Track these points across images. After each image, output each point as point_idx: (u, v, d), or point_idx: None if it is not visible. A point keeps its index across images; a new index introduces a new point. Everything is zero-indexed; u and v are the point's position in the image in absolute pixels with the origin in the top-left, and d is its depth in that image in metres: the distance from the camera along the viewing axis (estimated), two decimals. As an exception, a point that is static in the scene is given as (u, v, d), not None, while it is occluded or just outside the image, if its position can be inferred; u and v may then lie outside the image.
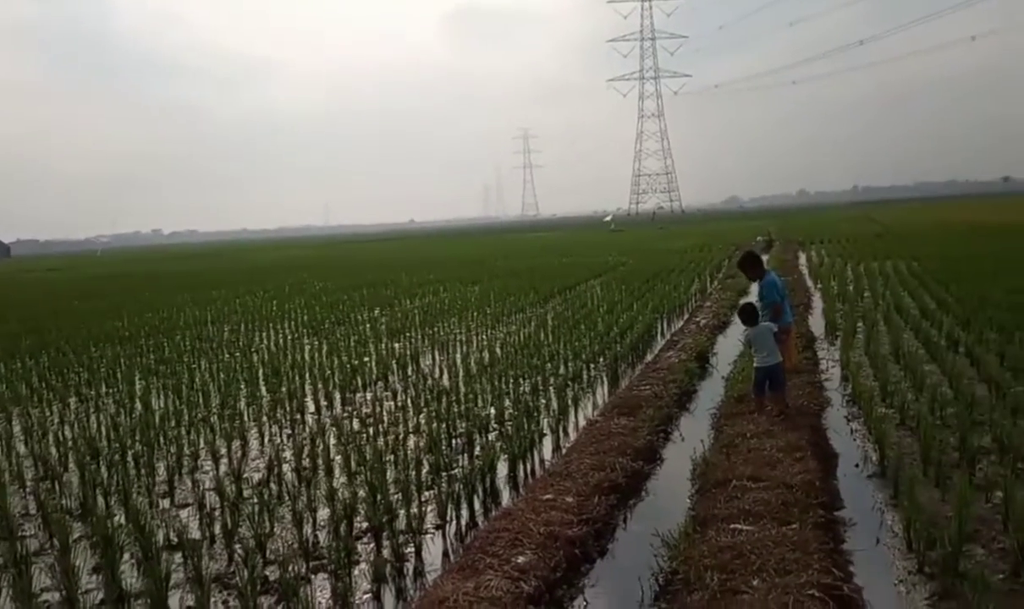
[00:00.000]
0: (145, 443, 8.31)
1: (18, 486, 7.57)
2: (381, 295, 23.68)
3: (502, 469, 7.09)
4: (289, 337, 16.33)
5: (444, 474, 7.01)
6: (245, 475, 7.37)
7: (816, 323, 14.17)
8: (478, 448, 7.75)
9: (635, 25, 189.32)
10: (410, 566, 5.46)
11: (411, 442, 7.99)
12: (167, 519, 6.39)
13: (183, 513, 6.67)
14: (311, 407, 9.96)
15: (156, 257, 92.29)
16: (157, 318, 21.01)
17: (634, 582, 5.02)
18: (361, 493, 6.54)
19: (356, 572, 5.33)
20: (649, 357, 12.07)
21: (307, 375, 11.55)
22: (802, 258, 29.49)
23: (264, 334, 17.13)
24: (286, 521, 6.20)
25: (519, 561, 5.08)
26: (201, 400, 10.48)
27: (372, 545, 5.74)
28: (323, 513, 6.33)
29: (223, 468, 7.63)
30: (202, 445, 8.47)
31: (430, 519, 6.17)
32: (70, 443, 8.70)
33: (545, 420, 8.49)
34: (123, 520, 6.30)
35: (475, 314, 17.58)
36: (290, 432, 8.86)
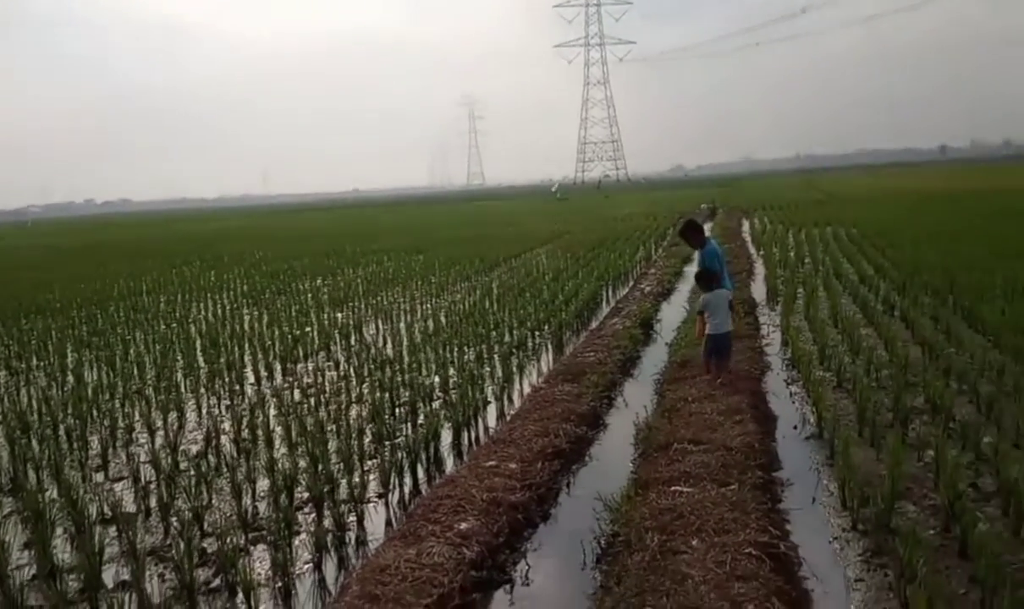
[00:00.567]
0: (78, 416, 8.08)
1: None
2: (323, 264, 23.37)
3: (446, 437, 7.05)
4: (228, 307, 16.00)
5: (387, 443, 6.95)
6: (182, 447, 7.21)
7: (758, 289, 14.38)
8: (422, 417, 7.69)
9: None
10: (352, 535, 5.41)
11: (354, 412, 7.91)
12: (101, 493, 6.22)
13: (117, 486, 6.51)
14: (251, 378, 9.78)
15: (89, 227, 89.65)
16: (90, 289, 20.42)
17: (576, 545, 5.04)
18: (302, 464, 6.45)
19: (296, 543, 5.24)
20: (594, 324, 12.12)
21: (246, 346, 11.33)
22: (745, 225, 29.90)
23: (202, 305, 16.77)
24: (224, 493, 6.10)
25: (461, 527, 5.06)
26: (136, 372, 10.22)
27: (313, 515, 5.67)
28: (263, 484, 6.23)
29: (159, 441, 7.46)
30: (137, 418, 8.27)
31: (373, 488, 6.11)
32: (0, 417, 8.40)
33: (490, 388, 8.47)
34: (55, 495, 6.13)
35: (419, 283, 17.45)
36: (229, 403, 8.69)
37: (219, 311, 15.58)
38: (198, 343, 11.88)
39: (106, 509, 5.82)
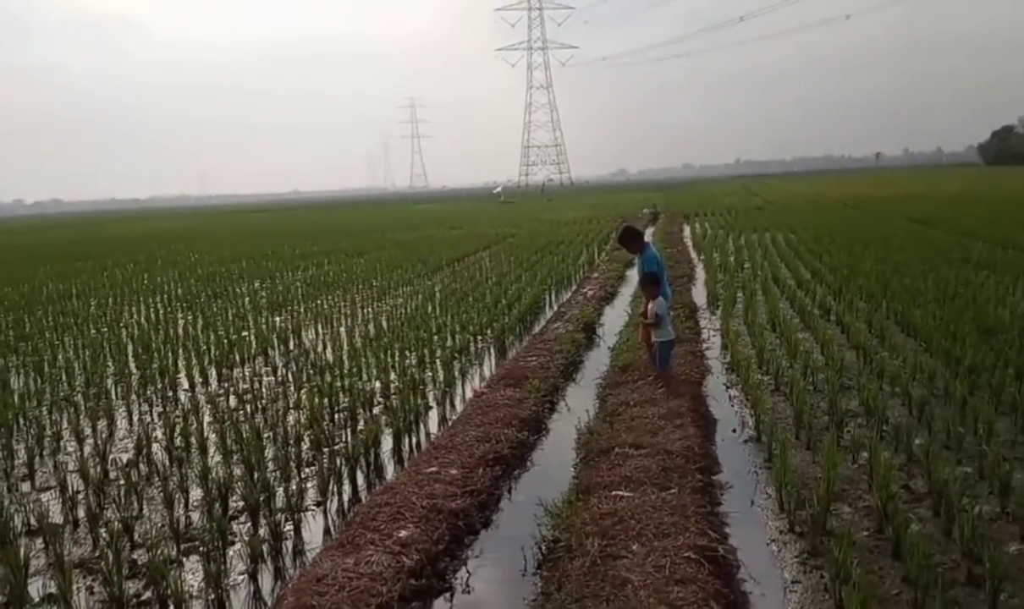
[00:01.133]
0: (3, 424, 7.78)
1: None
2: (261, 267, 22.95)
3: (386, 443, 6.97)
4: (161, 311, 15.58)
5: (326, 450, 6.82)
6: (112, 456, 7.00)
7: (699, 294, 14.53)
8: (362, 423, 7.57)
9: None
10: (289, 545, 5.29)
11: (291, 418, 7.75)
12: (26, 503, 5.98)
13: (44, 497, 6.26)
14: (185, 384, 9.53)
15: (17, 227, 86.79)
16: (17, 293, 19.70)
17: (518, 552, 5.01)
18: (237, 472, 6.31)
19: (231, 553, 5.12)
20: (537, 328, 12.11)
21: (181, 350, 11.04)
22: (687, 230, 30.26)
23: (134, 308, 16.30)
24: (156, 503, 5.93)
25: (401, 535, 4.99)
26: (64, 378, 9.88)
27: (248, 525, 5.53)
28: (196, 493, 6.07)
29: (88, 449, 7.20)
30: (65, 425, 7.96)
31: (311, 496, 6.00)
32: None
33: (431, 393, 8.40)
34: (-23, 506, 5.87)
35: (360, 287, 17.25)
36: (161, 410, 8.44)
37: (152, 315, 15.16)
38: (130, 348, 11.55)
39: (32, 520, 5.63)
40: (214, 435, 7.29)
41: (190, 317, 14.33)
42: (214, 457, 6.83)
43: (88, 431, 7.70)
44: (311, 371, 9.44)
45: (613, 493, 5.38)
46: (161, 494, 5.87)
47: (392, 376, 9.08)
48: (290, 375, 9.38)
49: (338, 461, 6.31)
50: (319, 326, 12.80)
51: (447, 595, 4.67)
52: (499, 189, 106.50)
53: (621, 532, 4.75)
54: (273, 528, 5.26)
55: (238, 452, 6.72)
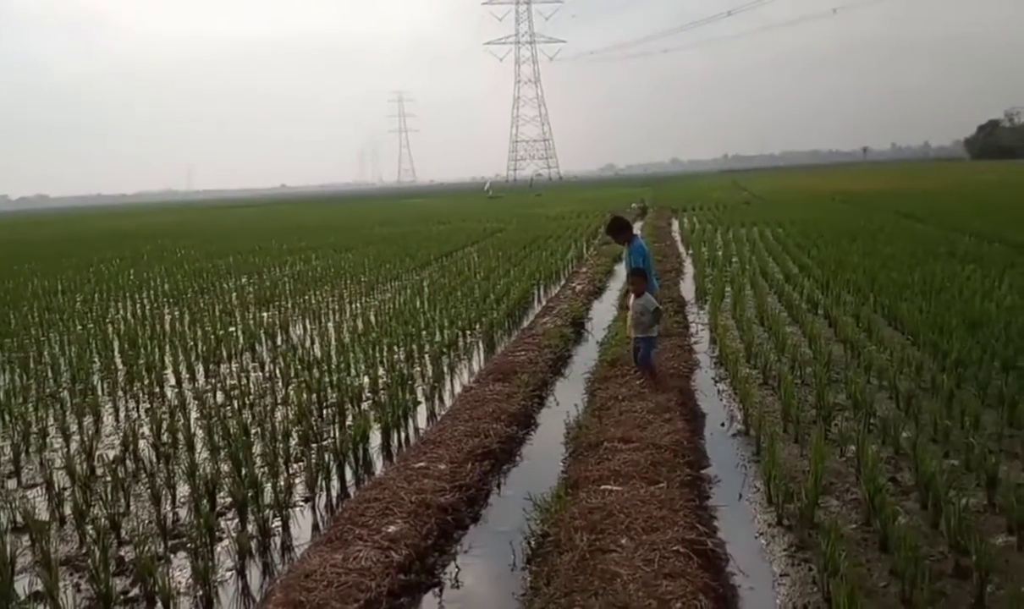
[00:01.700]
0: (-12, 421, 7.71)
1: None
2: (249, 263, 22.84)
3: (375, 439, 6.93)
4: (148, 307, 15.49)
5: (314, 445, 6.80)
6: (99, 452, 6.95)
7: (687, 288, 14.56)
8: (350, 418, 7.55)
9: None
10: (277, 541, 5.26)
11: (279, 414, 7.72)
12: (13, 500, 5.94)
13: (31, 494, 6.21)
14: (171, 380, 9.47)
15: (1, 223, 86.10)
16: (2, 288, 19.57)
17: (506, 546, 5.00)
18: (225, 468, 6.27)
19: (218, 549, 5.10)
20: (525, 323, 12.10)
21: (167, 346, 10.97)
22: (675, 224, 30.31)
23: (120, 304, 16.21)
24: (143, 499, 5.90)
25: (389, 530, 4.98)
26: (50, 374, 9.81)
27: (236, 521, 5.50)
28: (183, 490, 6.03)
29: (74, 445, 7.15)
30: (51, 422, 7.91)
31: (299, 492, 5.97)
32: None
33: (420, 388, 8.38)
34: (-37, 504, 5.83)
35: (348, 282, 17.19)
36: (148, 406, 8.39)
37: (139, 311, 15.07)
38: (116, 344, 11.47)
39: (18, 517, 5.58)
40: (201, 431, 7.25)
41: (177, 313, 14.27)
42: (201, 453, 6.80)
43: (74, 427, 7.65)
44: (299, 366, 9.40)
45: (602, 487, 5.38)
46: (148, 490, 5.85)
47: (380, 371, 9.06)
48: (278, 371, 9.34)
49: (326, 457, 6.28)
50: (307, 321, 12.76)
51: (436, 590, 4.66)
52: (487, 184, 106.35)
53: (610, 526, 4.75)
54: (261, 524, 5.24)
55: (225, 448, 6.68)
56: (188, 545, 5.09)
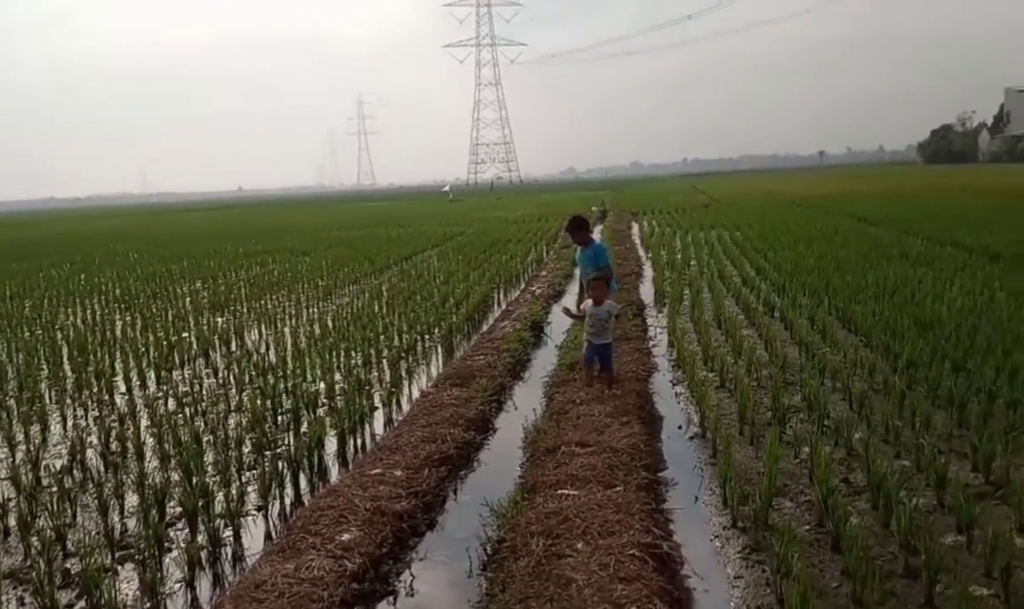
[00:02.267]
0: (-72, 431, 7.47)
1: None
2: (204, 267, 22.46)
3: (331, 445, 6.85)
4: (99, 312, 15.15)
5: (268, 453, 6.68)
6: (45, 462, 6.76)
7: (646, 291, 14.64)
8: (305, 424, 7.44)
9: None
10: (228, 551, 5.16)
11: (232, 421, 7.58)
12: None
13: (-28, 506, 6.02)
14: (122, 387, 9.26)
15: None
16: (-52, 294, 19.01)
17: (462, 553, 4.96)
18: (175, 477, 6.15)
19: (168, 560, 4.98)
20: (485, 327, 12.06)
21: (118, 353, 10.73)
22: (635, 228, 30.49)
23: (70, 309, 15.83)
24: (90, 510, 5.74)
25: (343, 539, 4.90)
26: (-4, 382, 9.54)
27: (186, 531, 5.39)
28: (132, 500, 5.88)
29: (20, 455, 6.95)
30: (-4, 431, 7.69)
31: (251, 500, 5.86)
32: None
33: (377, 393, 8.30)
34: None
35: (306, 286, 16.99)
36: (97, 415, 8.19)
37: (89, 316, 14.73)
38: (65, 351, 11.20)
39: (-41, 530, 5.39)
40: (151, 439, 7.10)
41: (128, 318, 13.97)
42: (151, 462, 6.66)
43: (20, 437, 7.46)
44: (254, 372, 9.25)
45: (559, 492, 5.36)
46: (95, 501, 5.69)
47: (337, 377, 8.96)
48: (232, 377, 9.19)
49: (280, 464, 6.18)
50: (263, 327, 12.58)
51: (390, 599, 4.60)
52: (448, 187, 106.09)
53: (566, 531, 4.73)
54: (212, 534, 5.13)
55: (176, 456, 6.55)
56: (136, 556, 4.97)
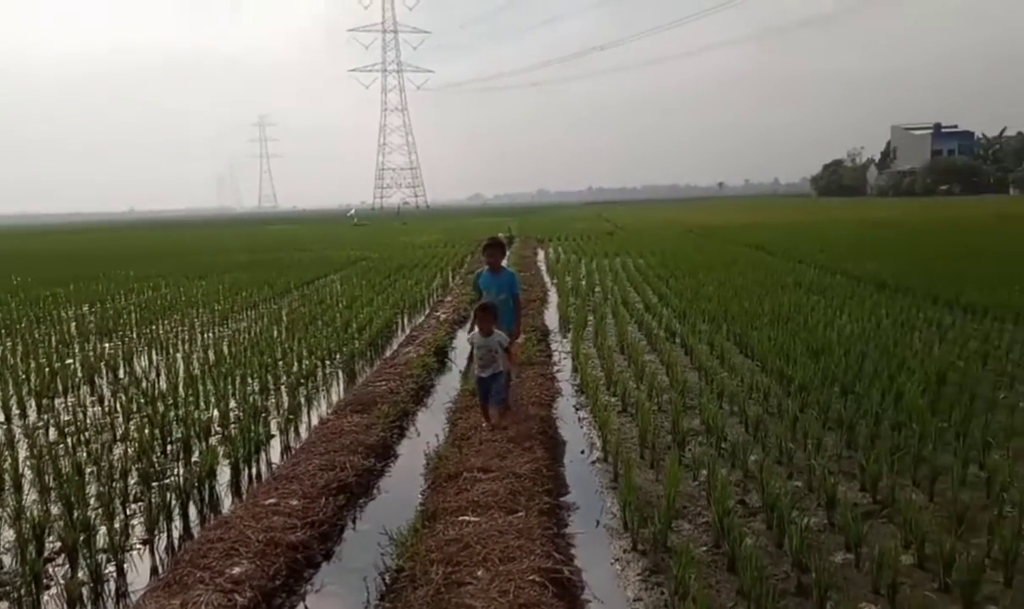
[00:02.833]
0: None
1: None
2: (91, 291, 21.43)
3: (223, 475, 6.59)
4: (-25, 338, 14.27)
5: (156, 484, 6.37)
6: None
7: (551, 317, 14.74)
8: (197, 454, 7.13)
9: (377, 17, 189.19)
10: (111, 586, 4.88)
11: (118, 451, 7.20)
12: None
13: None
14: (0, 417, 8.71)
15: None
16: None
17: (360, 583, 4.81)
18: (55, 510, 5.80)
19: (45, 598, 4.69)
20: (388, 352, 11.89)
21: (-4, 380, 10.10)
22: (541, 254, 30.77)
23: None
24: (-39, 548, 5.35)
25: (234, 572, 4.70)
26: None
27: (67, 566, 5.07)
28: (8, 535, 5.51)
29: None
30: None
31: (138, 533, 5.58)
32: None
33: (274, 421, 8.04)
34: None
35: (201, 310, 16.41)
36: (-30, 446, 7.66)
37: (-34, 342, 13.85)
38: (-64, 378, 10.48)
39: None
40: (30, 472, 6.68)
41: (9, 344, 13.18)
42: (30, 495, 6.27)
43: None
44: (142, 400, 8.83)
45: (460, 518, 5.28)
46: (-35, 539, 5.31)
47: (232, 404, 8.65)
48: (119, 405, 8.74)
49: (169, 496, 5.90)
50: (153, 353, 12.06)
51: (283, 634, 4.43)
52: (352, 211, 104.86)
53: (466, 558, 4.65)
54: (93, 570, 4.85)
55: (57, 489, 6.18)
56: (12, 594, 4.66)
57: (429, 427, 8.12)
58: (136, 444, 7.14)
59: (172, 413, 8.18)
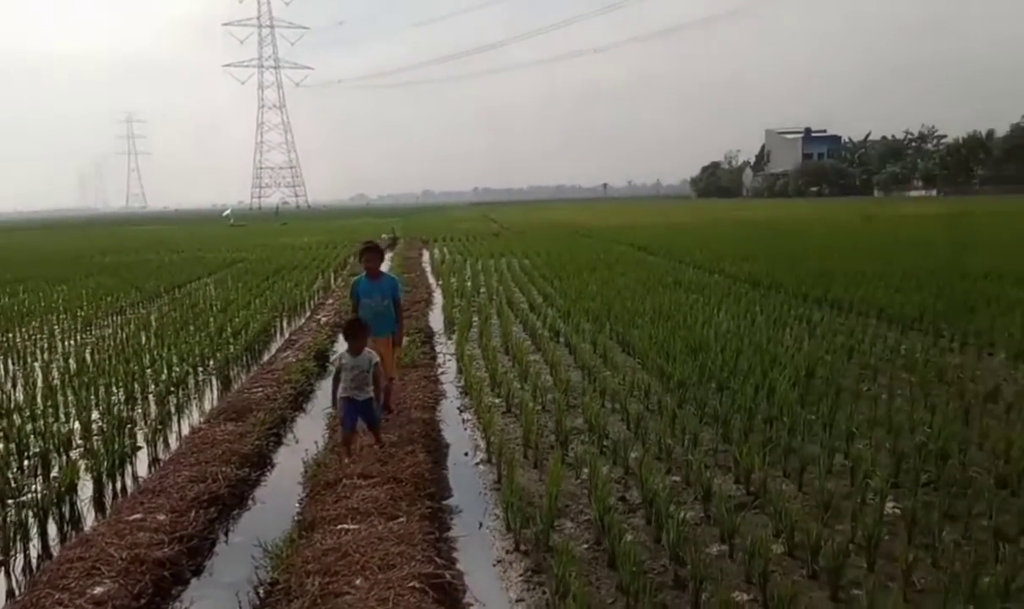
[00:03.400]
0: None
1: None
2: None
3: (85, 490, 6.21)
4: None
5: (11, 502, 5.93)
6: None
7: (436, 318, 14.62)
8: (56, 469, 6.69)
9: (252, 11, 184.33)
10: (-44, 618, 4.51)
11: (-34, 469, 6.67)
12: None
13: None
14: None
15: None
16: None
17: (232, 598, 4.62)
18: None
19: None
20: (266, 358, 11.51)
21: None
22: (426, 255, 30.55)
23: None
24: None
25: (95, 592, 4.42)
26: None
27: (-98, 599, 4.65)
28: None
29: None
30: None
31: (-11, 556, 5.17)
32: None
33: (141, 432, 7.63)
34: None
35: (62, 317, 15.44)
36: None
37: None
38: None
39: None
40: None
41: None
42: None
43: None
44: (-4, 413, 8.23)
45: (338, 527, 5.13)
46: None
47: (95, 415, 8.16)
48: (-32, 419, 8.11)
49: (25, 514, 5.51)
50: (9, 362, 11.27)
51: (148, 656, 4.18)
52: (228, 211, 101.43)
53: (344, 567, 4.52)
54: (-65, 600, 4.46)
55: None
56: None
57: (308, 434, 7.89)
58: (-14, 461, 6.63)
59: (29, 426, 7.65)
